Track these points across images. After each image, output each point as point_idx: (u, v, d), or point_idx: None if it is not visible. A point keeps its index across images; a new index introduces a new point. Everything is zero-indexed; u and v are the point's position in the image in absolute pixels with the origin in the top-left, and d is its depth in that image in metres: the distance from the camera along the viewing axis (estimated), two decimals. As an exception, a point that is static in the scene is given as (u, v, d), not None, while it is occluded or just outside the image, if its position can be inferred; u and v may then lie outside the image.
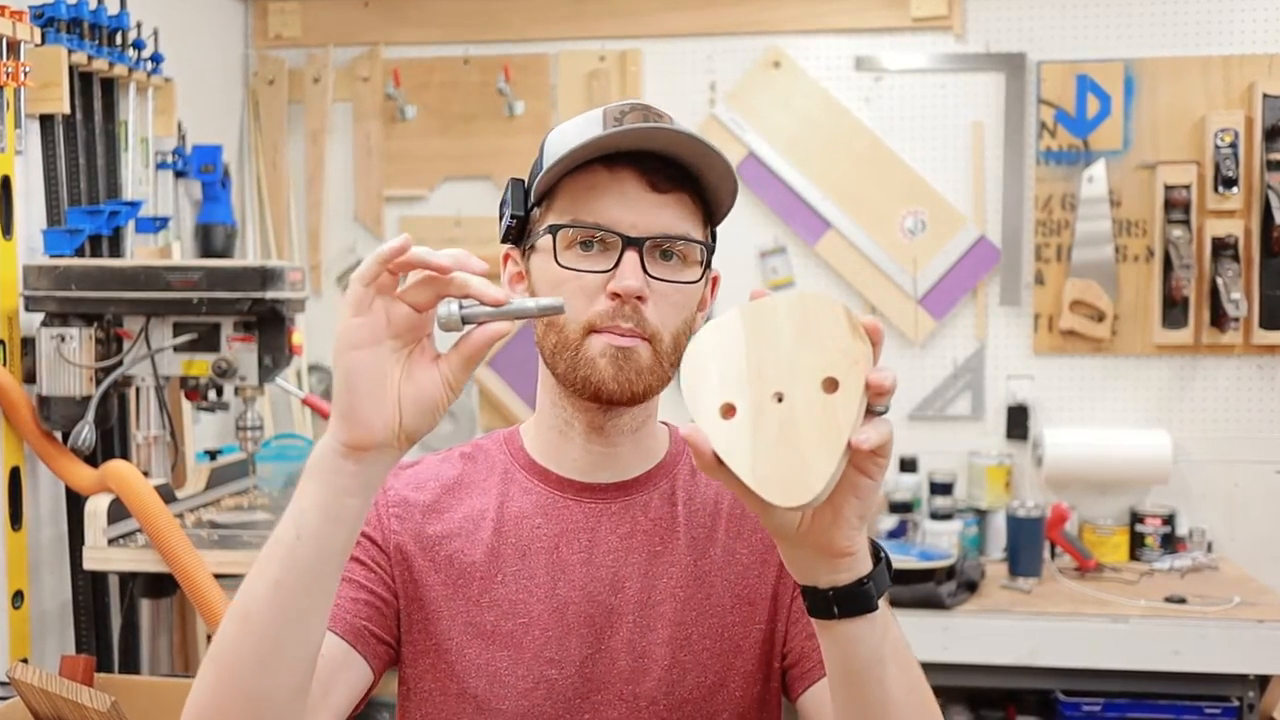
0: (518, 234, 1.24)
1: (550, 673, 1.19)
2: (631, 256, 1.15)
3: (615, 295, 1.15)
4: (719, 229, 1.26)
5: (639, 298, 1.15)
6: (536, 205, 1.22)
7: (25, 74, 2.42)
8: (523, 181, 1.24)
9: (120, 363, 2.48)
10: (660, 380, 1.19)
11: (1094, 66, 3.29)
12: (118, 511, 2.36)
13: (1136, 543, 3.26)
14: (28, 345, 2.48)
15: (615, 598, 1.21)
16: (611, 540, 1.23)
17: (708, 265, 1.23)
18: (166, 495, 2.44)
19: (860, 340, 0.91)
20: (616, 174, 1.16)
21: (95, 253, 2.67)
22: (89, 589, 2.62)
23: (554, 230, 1.18)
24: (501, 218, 1.25)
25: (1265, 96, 3.19)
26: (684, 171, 1.18)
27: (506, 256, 1.27)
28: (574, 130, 1.19)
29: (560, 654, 1.20)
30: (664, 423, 1.34)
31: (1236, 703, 2.80)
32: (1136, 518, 3.27)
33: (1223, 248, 3.19)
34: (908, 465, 3.32)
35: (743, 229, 3.45)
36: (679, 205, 1.18)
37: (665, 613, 1.21)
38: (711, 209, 1.22)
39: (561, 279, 1.17)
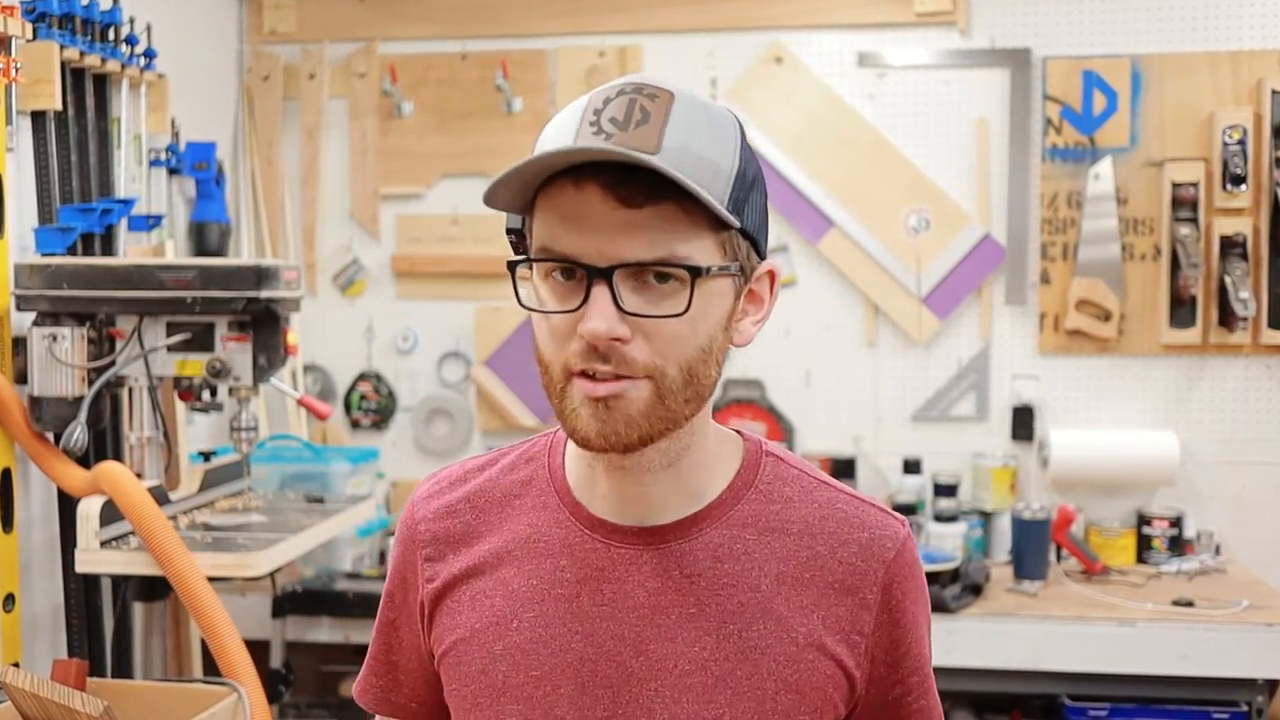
0: (522, 248, 1.09)
1: None
2: (600, 292, 0.97)
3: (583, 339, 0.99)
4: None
5: (618, 339, 0.98)
6: (527, 218, 1.07)
7: (16, 70, 2.39)
8: None
9: (113, 363, 2.45)
10: (667, 421, 1.01)
11: (1100, 62, 3.26)
12: (110, 514, 2.34)
13: (1143, 545, 3.23)
14: (19, 345, 2.46)
15: (637, 660, 1.06)
16: (639, 595, 1.07)
17: (745, 273, 1.04)
18: (160, 497, 2.42)
19: None
20: (583, 188, 0.98)
21: (87, 251, 2.64)
22: (81, 592, 2.59)
23: (512, 266, 1.04)
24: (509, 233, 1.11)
25: (1274, 93, 3.15)
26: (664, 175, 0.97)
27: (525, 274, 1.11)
28: (552, 130, 1.03)
29: (573, 714, 1.07)
30: (738, 432, 1.15)
31: (1245, 707, 2.78)
32: (1143, 520, 3.24)
33: (1231, 246, 3.17)
34: (912, 467, 3.29)
35: (744, 227, 3.41)
36: (659, 220, 0.97)
37: (694, 685, 1.05)
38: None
39: (539, 316, 1.03)
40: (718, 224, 1.00)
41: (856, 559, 1.09)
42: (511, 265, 1.04)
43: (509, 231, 1.09)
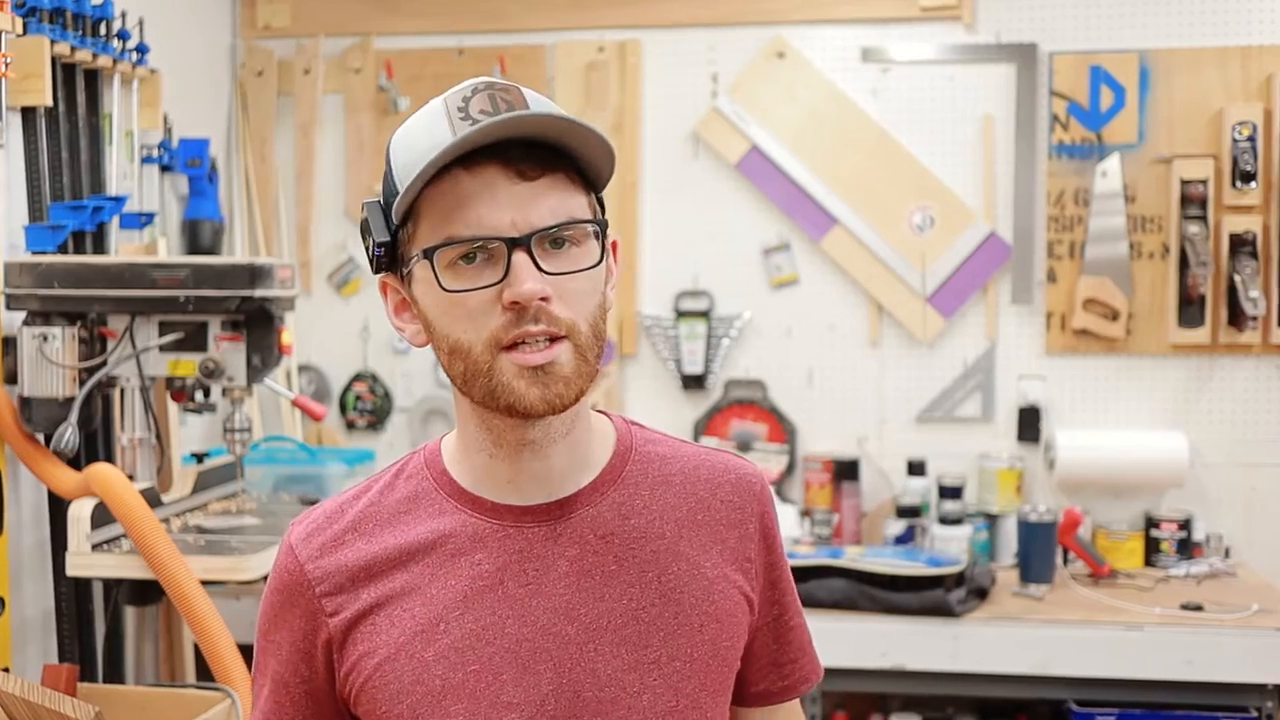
0: (389, 260, 1.13)
1: (511, 717, 1.11)
2: (521, 259, 1.05)
3: (515, 304, 1.05)
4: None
5: (545, 298, 1.06)
6: (401, 226, 1.11)
7: (6, 65, 2.38)
8: (379, 202, 1.14)
9: (104, 363, 2.43)
10: (588, 378, 1.10)
11: (1108, 57, 3.23)
12: (102, 516, 2.32)
13: (1152, 548, 3.19)
14: (9, 345, 2.44)
15: (572, 626, 1.12)
16: (561, 565, 1.13)
17: (604, 237, 1.14)
18: (152, 499, 2.40)
19: None
20: (478, 173, 1.06)
21: (78, 249, 2.63)
22: (72, 596, 2.57)
23: (429, 254, 1.08)
24: (366, 246, 1.14)
25: (1284, 89, 3.13)
26: (550, 149, 1.09)
27: (384, 285, 1.16)
28: (421, 133, 1.09)
29: (520, 696, 1.11)
30: (603, 412, 1.24)
31: (1254, 713, 2.76)
32: (1152, 522, 3.20)
33: (1240, 244, 3.13)
34: (916, 468, 3.26)
35: (746, 225, 3.40)
36: (555, 188, 1.08)
37: (629, 635, 1.13)
38: (591, 177, 1.13)
39: (451, 303, 1.08)
40: (587, 189, 1.12)
41: (733, 496, 1.22)
42: (428, 253, 1.08)
43: (378, 245, 1.12)
